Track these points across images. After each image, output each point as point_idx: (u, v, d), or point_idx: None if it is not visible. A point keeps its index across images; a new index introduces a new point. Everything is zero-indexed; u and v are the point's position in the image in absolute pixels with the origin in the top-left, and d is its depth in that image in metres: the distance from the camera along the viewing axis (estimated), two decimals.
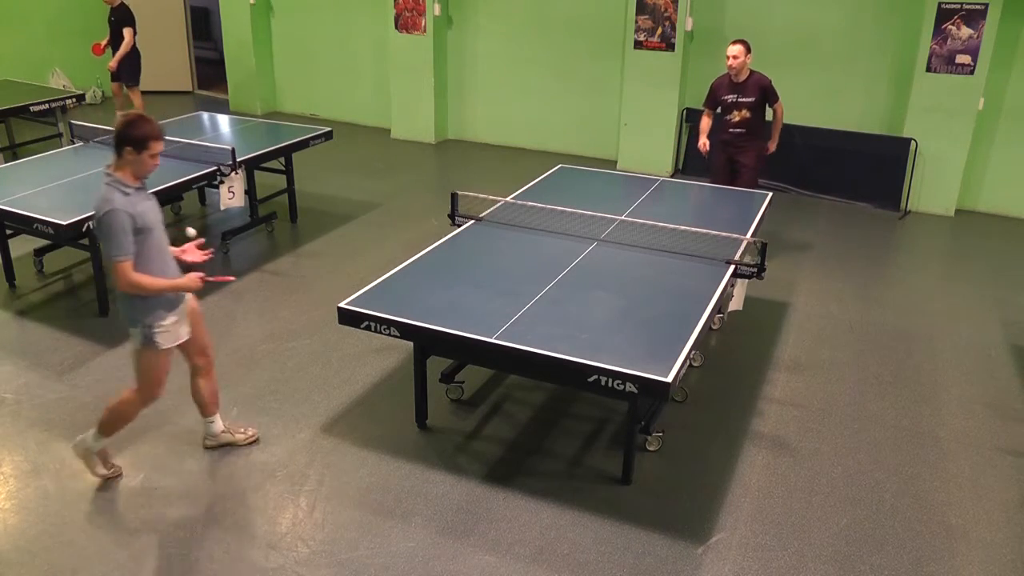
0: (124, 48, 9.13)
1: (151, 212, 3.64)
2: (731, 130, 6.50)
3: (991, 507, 3.94)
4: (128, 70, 9.33)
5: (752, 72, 6.39)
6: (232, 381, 4.81)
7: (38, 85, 9.64)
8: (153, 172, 3.65)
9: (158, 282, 3.60)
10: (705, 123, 6.68)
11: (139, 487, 3.92)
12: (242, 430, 4.25)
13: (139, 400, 3.83)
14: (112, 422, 3.85)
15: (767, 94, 6.39)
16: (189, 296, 3.88)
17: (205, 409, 4.12)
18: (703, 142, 6.63)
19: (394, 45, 9.93)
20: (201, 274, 3.72)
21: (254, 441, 4.24)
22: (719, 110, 6.57)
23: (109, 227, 3.46)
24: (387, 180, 8.69)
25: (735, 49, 6.27)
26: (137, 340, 3.72)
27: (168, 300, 3.70)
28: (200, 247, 3.91)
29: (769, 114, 6.55)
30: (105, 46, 9.32)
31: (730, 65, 6.32)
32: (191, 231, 4.04)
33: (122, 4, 9.17)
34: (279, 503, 3.84)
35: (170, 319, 3.71)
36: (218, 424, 4.16)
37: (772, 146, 6.57)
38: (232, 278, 4.11)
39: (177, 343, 3.80)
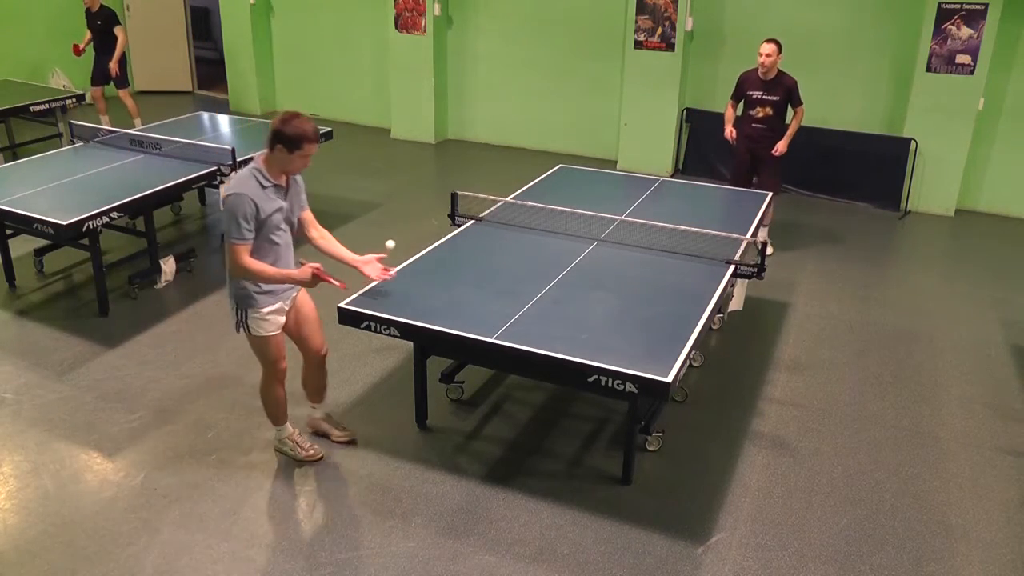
0: (120, 48, 9.05)
1: (280, 213, 3.64)
2: (753, 125, 6.61)
3: (991, 507, 3.94)
4: (123, 71, 9.33)
5: (780, 72, 6.48)
6: (232, 381, 4.81)
7: (38, 85, 9.64)
8: (301, 170, 3.68)
9: (269, 270, 3.61)
10: (730, 113, 6.76)
11: (139, 487, 3.92)
12: (340, 430, 4.29)
13: (267, 381, 3.93)
14: (269, 410, 4.03)
15: (791, 95, 6.48)
16: (302, 293, 3.93)
17: (309, 397, 4.25)
18: (730, 130, 6.70)
19: (394, 45, 9.93)
20: (317, 265, 3.67)
21: (350, 442, 4.26)
22: (743, 104, 6.66)
23: (231, 209, 3.49)
24: (387, 180, 8.69)
25: (768, 48, 6.36)
26: (233, 323, 3.78)
27: (271, 290, 3.73)
28: (383, 267, 3.93)
29: (790, 115, 6.60)
30: (84, 48, 9.21)
31: (761, 63, 6.41)
32: (390, 243, 4.06)
33: (103, 5, 9.08)
34: (279, 503, 3.84)
35: (266, 308, 3.73)
36: (317, 412, 4.28)
37: (782, 146, 6.55)
38: (344, 285, 3.78)
39: (275, 332, 3.82)
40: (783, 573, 3.50)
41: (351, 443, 4.25)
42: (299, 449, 4.10)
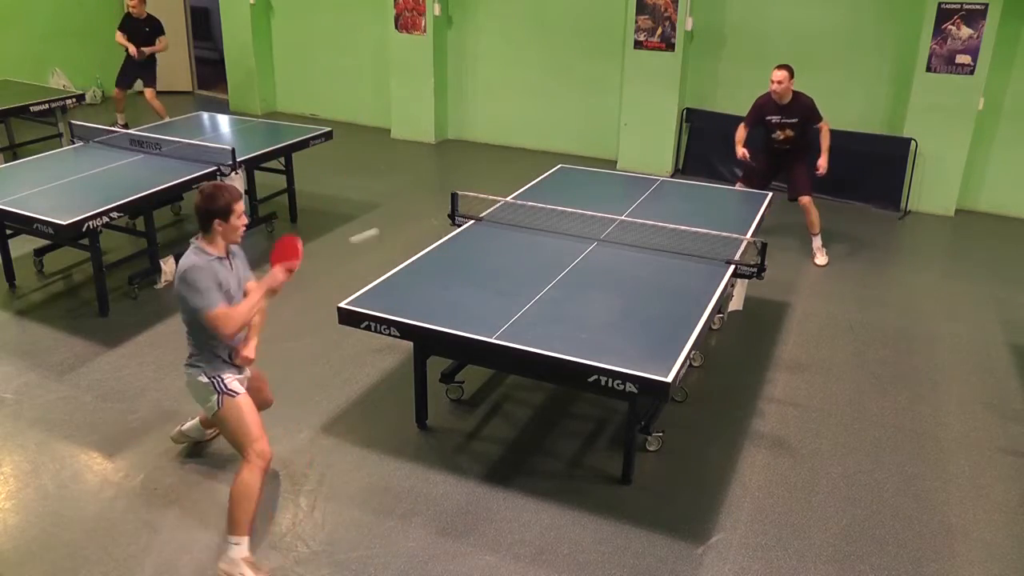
0: (162, 47, 9.33)
1: (231, 280, 3.51)
2: (777, 146, 6.61)
3: (991, 507, 3.94)
4: (154, 71, 9.45)
5: (796, 93, 6.44)
6: None
7: (38, 85, 9.63)
8: (242, 234, 3.54)
9: (242, 308, 3.43)
10: (740, 135, 6.61)
11: (139, 487, 3.92)
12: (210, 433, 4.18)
13: (251, 468, 3.40)
14: (242, 510, 3.36)
15: (810, 115, 6.45)
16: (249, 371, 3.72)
17: (206, 423, 4.12)
18: (742, 152, 6.52)
19: (394, 45, 9.92)
20: (284, 268, 3.52)
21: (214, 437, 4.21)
22: (764, 129, 6.60)
23: (193, 282, 3.35)
24: (387, 180, 8.69)
25: (780, 75, 6.33)
26: (212, 401, 3.49)
27: (228, 363, 3.57)
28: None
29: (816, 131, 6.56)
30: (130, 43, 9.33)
31: (774, 90, 6.38)
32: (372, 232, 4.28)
33: (150, 13, 9.22)
34: (279, 503, 3.84)
35: (232, 375, 3.56)
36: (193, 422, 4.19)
37: (823, 162, 6.50)
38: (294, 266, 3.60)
39: (244, 390, 3.58)
40: (783, 573, 3.50)
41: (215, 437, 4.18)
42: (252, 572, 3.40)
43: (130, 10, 9.17)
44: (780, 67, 6.39)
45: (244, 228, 3.55)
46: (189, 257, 3.45)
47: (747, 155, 6.56)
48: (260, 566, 3.43)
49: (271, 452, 3.49)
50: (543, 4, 9.34)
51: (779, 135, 6.54)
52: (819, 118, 6.49)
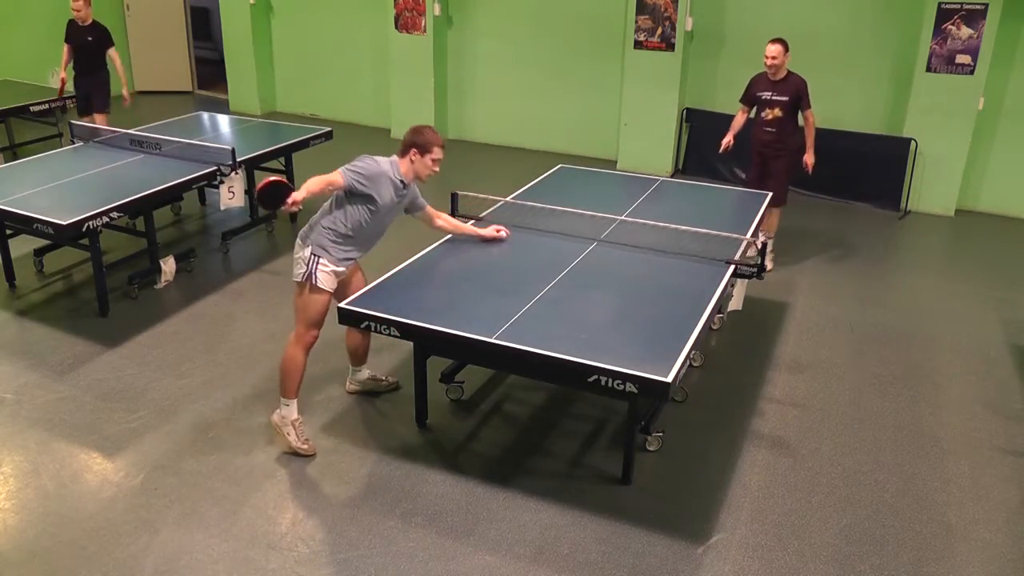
0: (121, 70, 8.01)
1: (391, 200, 4.07)
2: (764, 128, 6.43)
3: (991, 507, 3.94)
4: (107, 95, 8.11)
5: (790, 72, 6.33)
6: (232, 381, 4.81)
7: (38, 85, 9.63)
8: (431, 176, 4.14)
9: (314, 180, 3.98)
10: (737, 120, 6.60)
11: (139, 487, 3.92)
12: (383, 377, 4.74)
13: (296, 344, 4.05)
14: (287, 377, 4.08)
15: (800, 96, 6.31)
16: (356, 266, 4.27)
17: (356, 362, 4.62)
18: (728, 140, 6.54)
19: (394, 45, 9.93)
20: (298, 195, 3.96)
21: (395, 388, 4.72)
22: (755, 108, 6.52)
23: (362, 168, 3.97)
24: None
25: (773, 49, 6.21)
26: (299, 272, 3.98)
27: (342, 252, 4.03)
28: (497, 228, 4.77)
29: (802, 119, 6.42)
30: (65, 77, 8.11)
31: (768, 65, 6.27)
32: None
33: (96, 20, 7.89)
34: (279, 503, 3.84)
35: (331, 266, 4.01)
36: (363, 373, 4.68)
37: (809, 158, 6.41)
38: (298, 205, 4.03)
39: (330, 290, 4.04)
40: (783, 573, 3.50)
41: (397, 388, 4.71)
42: (296, 438, 4.14)
43: (73, 15, 7.70)
44: (774, 41, 6.22)
45: (433, 172, 4.12)
46: (384, 160, 4.05)
47: (730, 144, 6.51)
48: (302, 432, 4.14)
49: (317, 337, 4.09)
50: (543, 4, 9.34)
51: (767, 113, 6.37)
52: (808, 104, 6.32)
